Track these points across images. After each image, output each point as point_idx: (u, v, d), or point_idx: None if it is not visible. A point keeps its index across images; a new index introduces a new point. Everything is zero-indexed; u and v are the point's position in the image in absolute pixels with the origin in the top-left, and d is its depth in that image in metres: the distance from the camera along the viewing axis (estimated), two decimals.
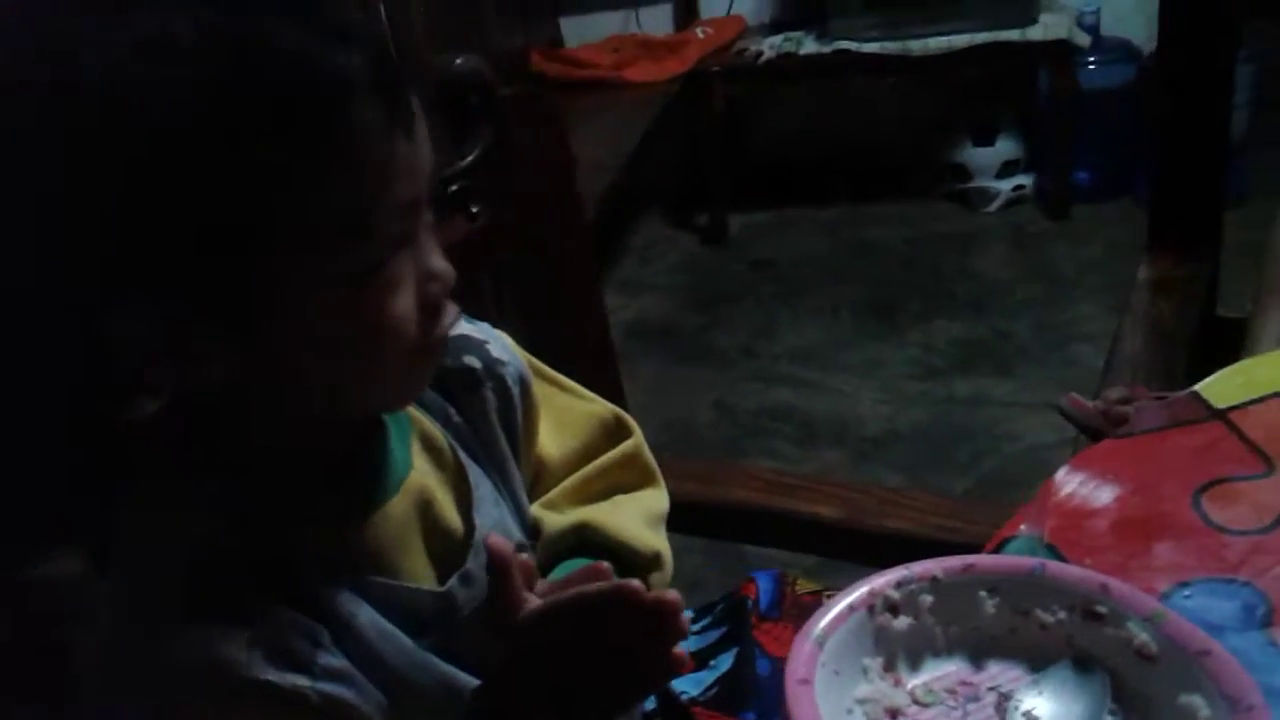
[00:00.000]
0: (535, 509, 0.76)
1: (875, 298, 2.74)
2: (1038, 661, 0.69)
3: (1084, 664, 0.68)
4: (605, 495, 0.79)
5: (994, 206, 3.11)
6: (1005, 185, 3.10)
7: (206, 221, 0.53)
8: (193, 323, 0.55)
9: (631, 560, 0.75)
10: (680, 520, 1.10)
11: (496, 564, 0.60)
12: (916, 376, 2.45)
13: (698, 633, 0.90)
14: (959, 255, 2.90)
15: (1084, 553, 0.78)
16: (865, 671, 0.69)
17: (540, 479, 0.79)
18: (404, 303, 0.58)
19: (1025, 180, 3.11)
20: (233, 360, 0.57)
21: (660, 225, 3.17)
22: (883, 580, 0.71)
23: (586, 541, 0.75)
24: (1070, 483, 0.84)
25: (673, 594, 0.58)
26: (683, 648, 0.87)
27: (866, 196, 3.16)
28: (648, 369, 2.56)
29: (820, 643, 0.67)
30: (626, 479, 0.80)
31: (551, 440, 0.79)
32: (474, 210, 0.94)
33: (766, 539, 1.10)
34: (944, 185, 3.14)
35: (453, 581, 0.67)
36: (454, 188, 0.93)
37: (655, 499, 0.81)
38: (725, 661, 0.83)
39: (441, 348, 0.63)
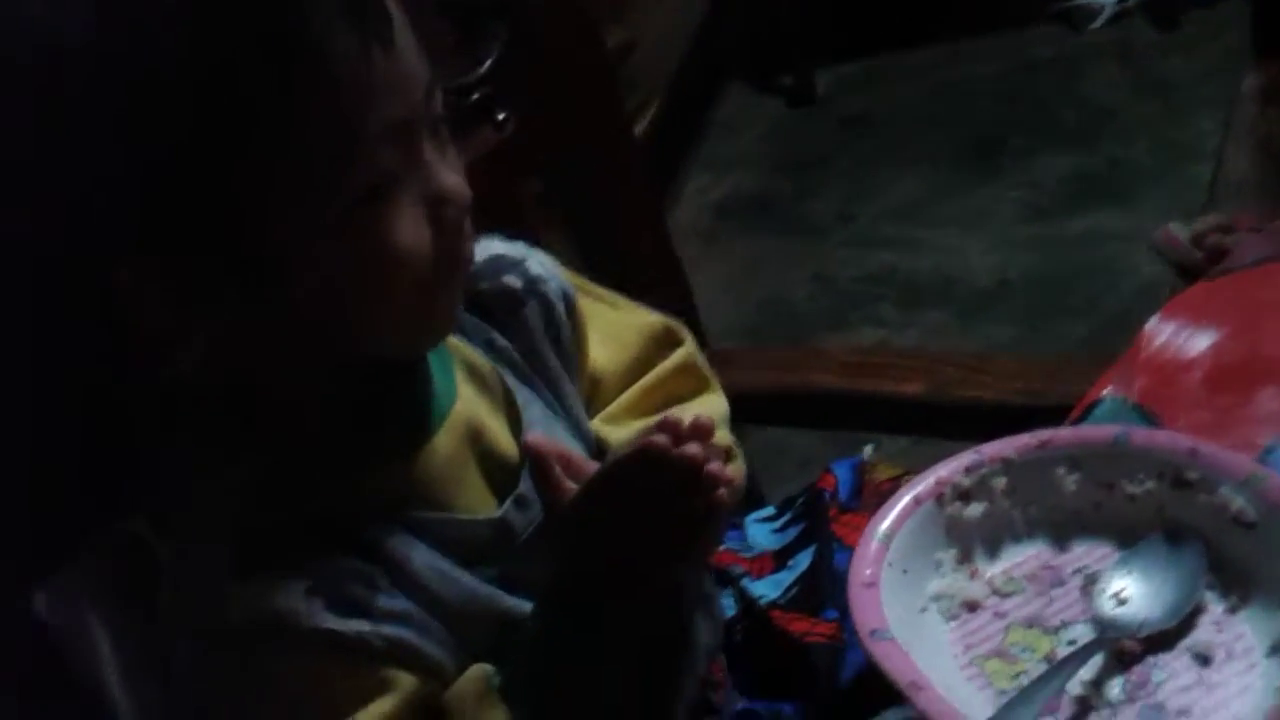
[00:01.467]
0: (596, 424, 0.74)
1: (976, 141, 2.60)
2: (1127, 537, 0.65)
3: (1177, 536, 0.63)
4: (664, 406, 0.76)
5: (1099, 23, 2.90)
6: None
7: (192, 167, 0.51)
8: (197, 271, 0.54)
9: None
10: (758, 411, 1.08)
11: (532, 457, 0.60)
12: (1025, 220, 2.32)
13: (778, 531, 0.87)
14: (1064, 81, 2.71)
15: (1178, 410, 0.72)
16: (938, 566, 0.65)
17: (595, 395, 0.76)
18: (412, 229, 0.55)
19: None
20: (246, 308, 0.55)
21: (744, 94, 3.05)
22: (950, 467, 0.67)
23: None
24: (1162, 333, 0.78)
25: (694, 447, 0.56)
26: (764, 547, 0.86)
27: (961, 32, 2.98)
28: (740, 246, 2.49)
29: (886, 540, 0.64)
30: (683, 387, 0.77)
31: (603, 354, 0.76)
32: (501, 118, 0.90)
33: (848, 423, 1.06)
34: (1045, 7, 2.94)
35: (507, 506, 0.65)
36: (475, 96, 0.88)
37: (715, 403, 0.78)
38: (804, 560, 0.80)
39: (463, 273, 0.61)
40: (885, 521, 0.64)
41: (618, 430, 0.73)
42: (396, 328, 0.59)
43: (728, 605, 0.80)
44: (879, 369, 1.03)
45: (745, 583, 0.80)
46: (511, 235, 0.93)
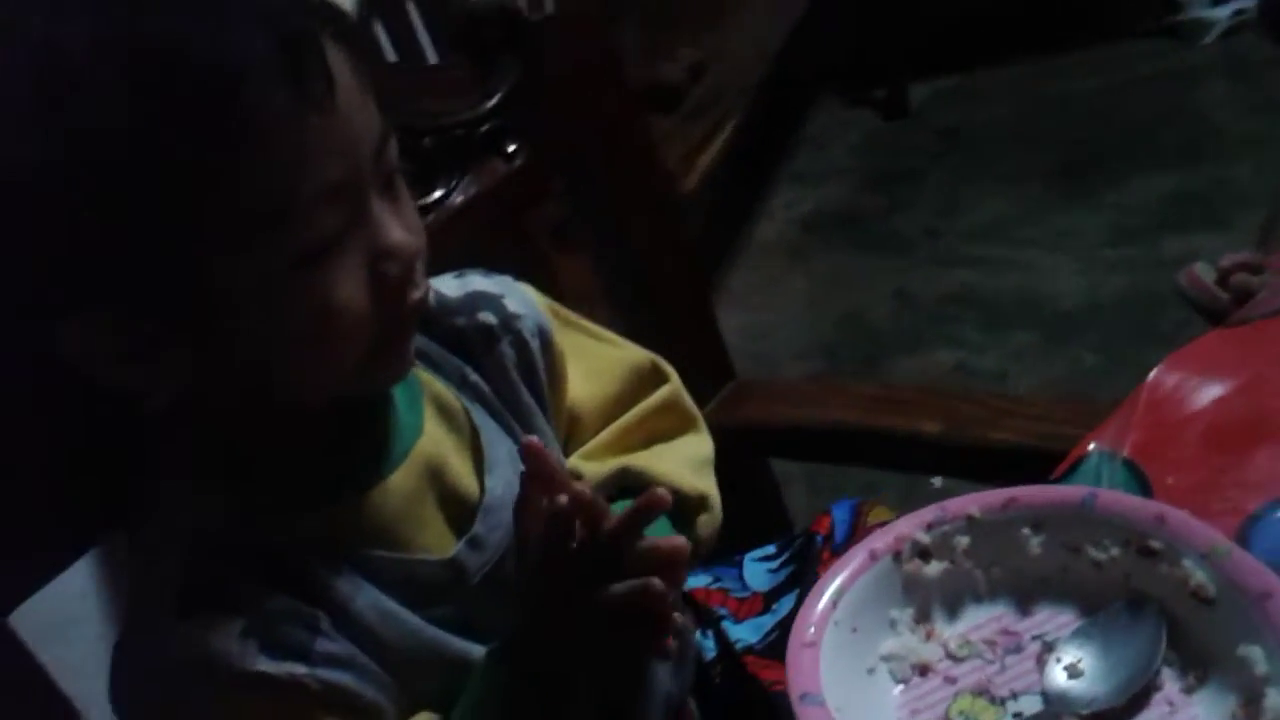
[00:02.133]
0: (573, 461, 0.74)
1: (1070, 158, 2.52)
2: (1092, 603, 0.62)
3: (1139, 606, 0.60)
4: (645, 444, 0.75)
5: (1211, 37, 2.79)
6: (1224, 11, 2.77)
7: (127, 226, 0.52)
8: (142, 326, 0.54)
9: (677, 502, 0.71)
10: (776, 444, 1.07)
11: (526, 461, 0.59)
12: (1116, 241, 2.24)
13: (773, 571, 0.86)
14: (1167, 97, 2.61)
15: (1168, 469, 0.68)
16: (893, 624, 0.63)
17: (575, 431, 0.76)
18: (350, 287, 0.55)
19: (1246, 2, 2.77)
20: (195, 357, 0.56)
21: (835, 107, 3.02)
22: (910, 523, 0.65)
23: (629, 486, 0.72)
24: (1165, 384, 0.74)
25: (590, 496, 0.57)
26: (755, 588, 0.85)
27: (1060, 46, 2.89)
28: (824, 262, 2.46)
29: (836, 597, 0.62)
30: (666, 425, 0.77)
31: (584, 390, 0.75)
32: (510, 150, 0.91)
33: (865, 459, 1.04)
34: (1148, 20, 2.84)
35: (459, 547, 0.65)
36: (484, 128, 0.89)
37: (697, 444, 0.77)
38: (787, 605, 0.79)
39: (411, 323, 0.61)
40: (837, 578, 0.63)
41: (592, 466, 0.73)
42: (344, 376, 0.59)
43: (709, 647, 0.79)
44: (899, 405, 1.00)
45: (726, 625, 0.79)
46: (523, 263, 0.95)
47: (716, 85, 2.22)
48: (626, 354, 0.78)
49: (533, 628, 0.60)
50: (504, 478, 0.67)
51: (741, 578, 0.86)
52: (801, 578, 0.80)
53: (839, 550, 0.82)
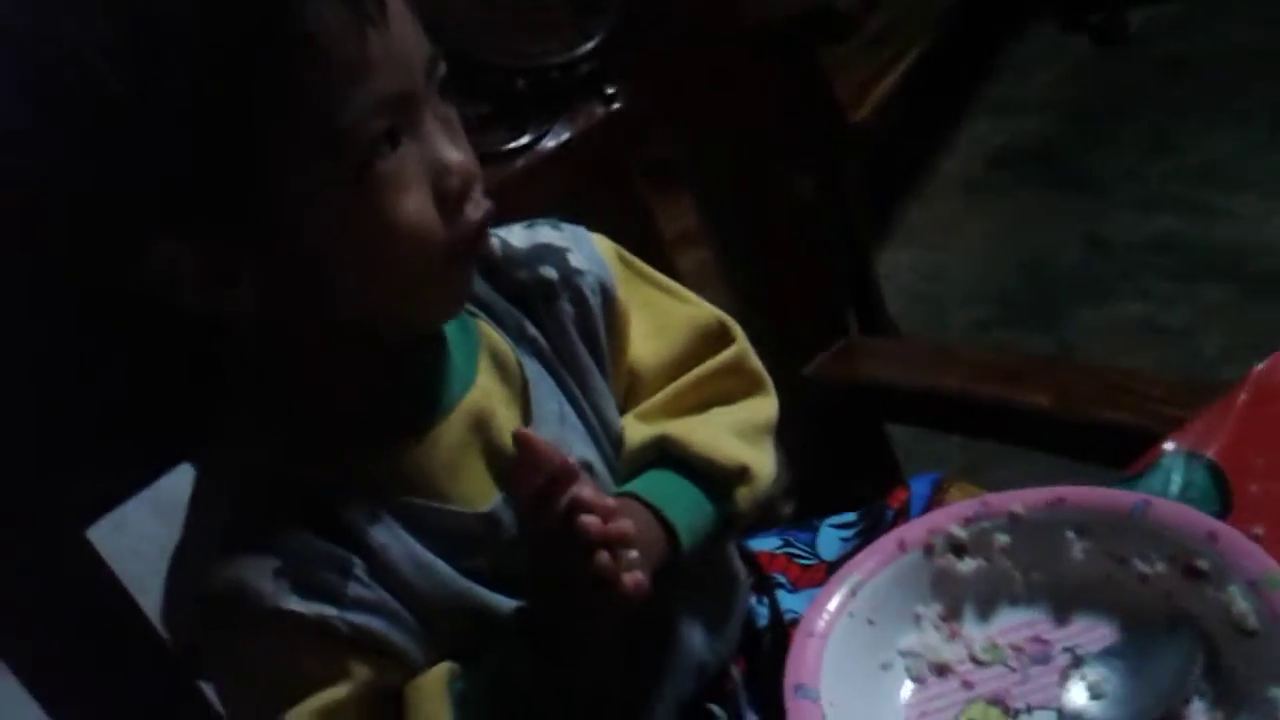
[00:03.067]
0: (627, 420, 0.73)
1: None
2: (1131, 618, 0.58)
3: (1178, 628, 0.55)
4: (703, 406, 0.74)
5: None
6: None
7: (196, 146, 0.54)
8: (218, 247, 0.57)
9: (713, 473, 0.70)
10: (880, 407, 1.03)
11: (518, 449, 0.58)
12: None
13: (845, 540, 0.83)
14: None
15: (1254, 477, 0.62)
16: (917, 620, 0.61)
17: (634, 389, 0.75)
18: (414, 199, 0.56)
19: None
20: (266, 279, 0.58)
21: (1047, 32, 2.83)
22: (946, 515, 0.62)
23: (666, 455, 0.71)
24: (1271, 384, 0.67)
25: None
26: (824, 556, 0.82)
27: None
28: (1010, 200, 2.32)
29: (854, 588, 0.60)
30: (727, 388, 0.74)
31: (647, 346, 0.74)
32: (610, 92, 0.89)
33: (971, 430, 0.98)
34: None
35: (497, 501, 0.65)
36: (583, 70, 0.88)
37: (757, 407, 0.74)
38: None
39: (472, 246, 0.61)
40: (859, 568, 0.60)
41: (642, 427, 0.72)
42: (413, 299, 0.60)
43: (763, 613, 0.78)
44: (1011, 375, 0.95)
45: (781, 594, 0.78)
46: (617, 207, 0.94)
47: (904, 10, 2.12)
48: (693, 311, 0.76)
49: (537, 602, 0.61)
50: (550, 434, 0.67)
51: (814, 544, 0.84)
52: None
53: None
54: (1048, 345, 1.96)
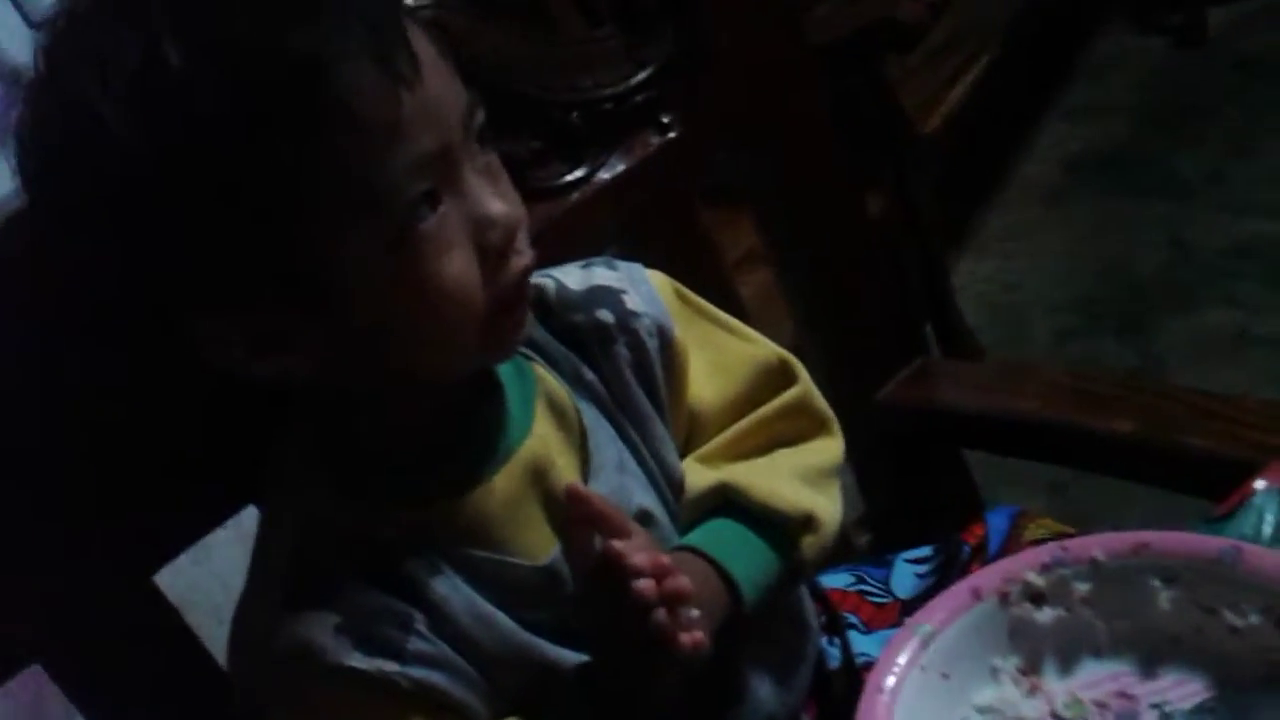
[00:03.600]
0: (688, 462, 0.71)
1: None
2: (1226, 674, 0.54)
3: (1276, 685, 0.51)
4: (766, 449, 0.72)
5: None
6: None
7: (237, 222, 0.54)
8: (266, 318, 0.57)
9: (776, 522, 0.68)
10: (955, 433, 0.99)
11: (568, 508, 0.59)
12: None
13: (921, 576, 0.80)
14: None
15: None
16: (994, 673, 0.58)
17: (696, 430, 0.73)
18: (456, 260, 0.56)
19: None
20: (317, 345, 0.58)
21: (1122, 35, 2.75)
22: (1022, 561, 0.59)
23: (729, 503, 0.69)
24: None
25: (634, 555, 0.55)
26: (898, 595, 0.79)
27: None
28: (1090, 206, 2.26)
29: (927, 639, 0.57)
30: (791, 429, 0.72)
31: (707, 386, 0.72)
32: (665, 121, 0.87)
33: (1051, 455, 0.94)
34: None
35: (556, 554, 0.63)
36: (639, 99, 0.86)
37: (822, 450, 0.72)
38: None
39: (520, 290, 0.60)
40: (931, 618, 0.57)
41: (705, 472, 0.70)
42: (461, 353, 0.60)
43: (834, 655, 0.76)
44: (1091, 398, 0.91)
45: (853, 635, 0.75)
46: (675, 234, 0.92)
47: (973, 17, 2.07)
48: (754, 350, 0.73)
49: (597, 657, 0.60)
50: (608, 484, 0.65)
51: (887, 580, 0.81)
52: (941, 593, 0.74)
53: (991, 563, 0.75)
54: (1132, 356, 1.91)
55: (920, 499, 1.01)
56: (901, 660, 0.56)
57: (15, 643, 0.65)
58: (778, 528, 0.67)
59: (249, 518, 0.74)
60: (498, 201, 0.57)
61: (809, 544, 0.68)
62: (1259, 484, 0.61)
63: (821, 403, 0.73)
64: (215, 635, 0.72)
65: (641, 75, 0.86)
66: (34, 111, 0.55)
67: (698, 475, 0.70)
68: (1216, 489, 0.79)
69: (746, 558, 0.65)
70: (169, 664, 0.72)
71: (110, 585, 0.68)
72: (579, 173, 0.84)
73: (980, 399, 0.97)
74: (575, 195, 0.84)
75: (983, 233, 2.29)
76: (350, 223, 0.54)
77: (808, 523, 0.68)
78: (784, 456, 0.71)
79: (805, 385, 0.73)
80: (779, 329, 1.06)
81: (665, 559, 0.55)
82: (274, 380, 0.60)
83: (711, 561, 0.63)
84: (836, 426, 0.74)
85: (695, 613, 0.56)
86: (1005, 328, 2.05)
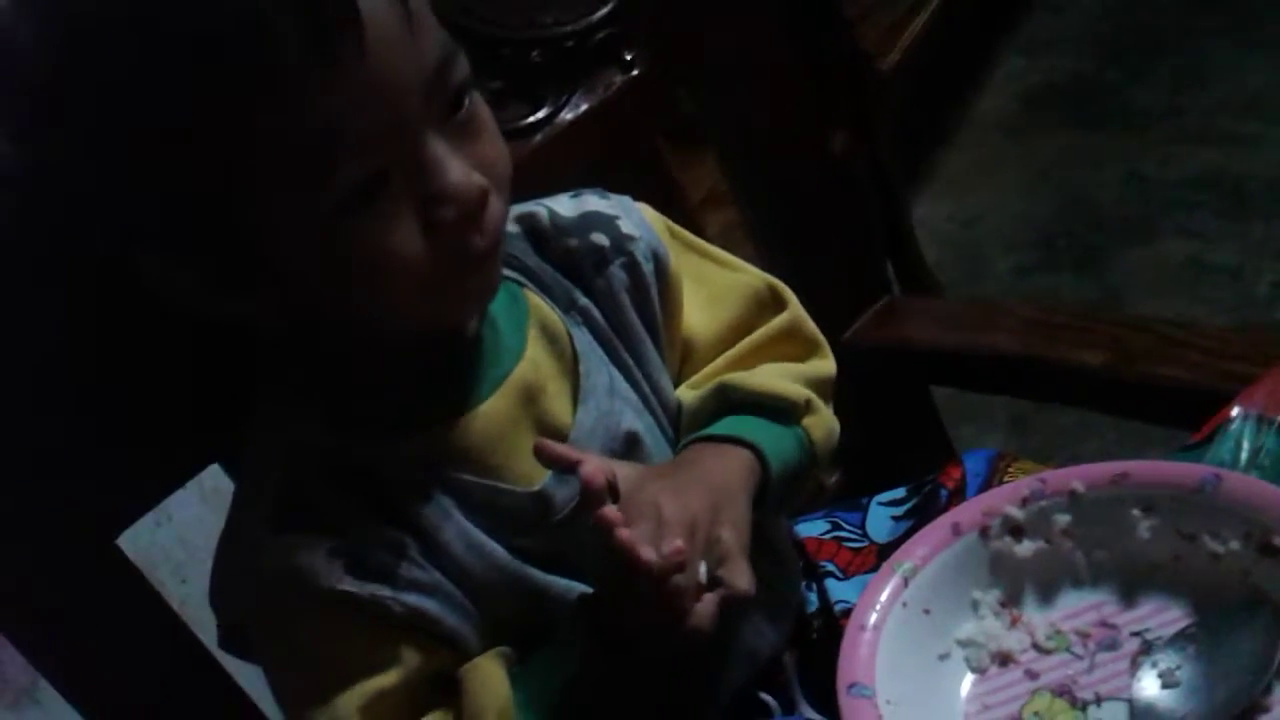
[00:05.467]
0: (681, 390, 0.70)
1: None
2: (1205, 600, 0.54)
3: (1256, 609, 0.52)
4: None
5: None
6: None
7: (164, 173, 0.52)
8: (205, 263, 0.55)
9: (779, 405, 0.67)
10: (931, 369, 0.99)
11: (583, 488, 0.57)
12: None
13: (897, 518, 0.80)
14: None
15: None
16: (975, 606, 0.58)
17: (689, 359, 0.72)
18: (399, 233, 0.54)
19: None
20: (260, 294, 0.57)
21: None
22: (1001, 495, 0.58)
23: (727, 401, 0.67)
24: None
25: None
26: (874, 539, 0.79)
27: None
28: (1047, 141, 2.26)
29: (907, 576, 0.57)
30: (784, 353, 0.72)
31: (700, 316, 0.72)
32: (627, 59, 0.85)
33: (1023, 390, 0.95)
34: None
35: (546, 480, 0.63)
36: (600, 36, 0.84)
37: (816, 366, 0.72)
38: None
39: (476, 267, 0.58)
40: (912, 555, 0.57)
41: (695, 392, 0.70)
42: (411, 316, 0.58)
43: (812, 600, 0.75)
44: (1061, 331, 0.91)
45: (829, 582, 0.75)
46: (640, 172, 0.90)
47: None
48: (744, 278, 0.73)
49: (603, 604, 0.60)
50: (598, 408, 0.65)
51: (863, 524, 0.81)
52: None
53: None
54: (1092, 289, 1.91)
55: (889, 437, 1.00)
56: (883, 598, 0.56)
57: None
58: (781, 410, 0.67)
59: (209, 476, 0.73)
60: (458, 170, 0.54)
61: (813, 424, 0.67)
62: (1235, 411, 0.61)
63: (811, 326, 0.73)
64: (177, 594, 0.71)
65: (602, 11, 0.84)
66: None
67: (691, 394, 0.69)
68: (1188, 418, 0.80)
69: (762, 430, 0.64)
70: (133, 626, 0.71)
71: (73, 549, 0.66)
72: (541, 113, 0.82)
73: (949, 335, 0.96)
74: (538, 137, 0.82)
75: (941, 170, 2.29)
76: (283, 191, 0.52)
77: (808, 405, 0.67)
78: (774, 367, 0.70)
79: (795, 310, 0.72)
80: None
81: (677, 542, 0.54)
82: (235, 322, 0.59)
83: (726, 439, 0.63)
84: (828, 349, 0.73)
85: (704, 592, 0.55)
86: (964, 264, 2.05)
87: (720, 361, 0.71)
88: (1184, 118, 2.19)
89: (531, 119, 0.82)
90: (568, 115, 0.83)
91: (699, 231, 0.93)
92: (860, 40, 1.49)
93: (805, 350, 0.73)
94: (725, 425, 0.66)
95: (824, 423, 0.68)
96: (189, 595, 0.78)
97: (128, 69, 0.50)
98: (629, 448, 0.65)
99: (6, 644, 0.66)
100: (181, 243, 0.54)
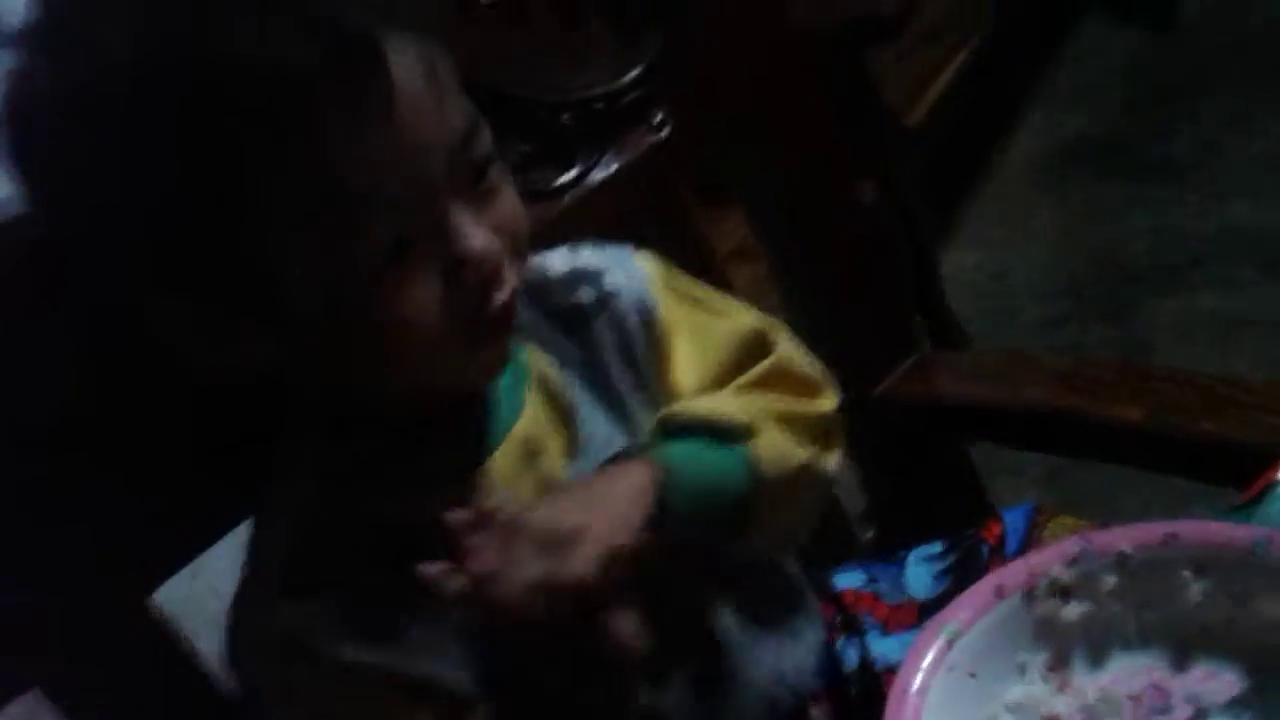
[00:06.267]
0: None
1: None
2: (1260, 665, 0.53)
3: None
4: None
5: None
6: None
7: (185, 223, 0.52)
8: (216, 314, 0.55)
9: (717, 428, 0.64)
10: (960, 424, 0.98)
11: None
12: None
13: (937, 576, 0.78)
14: None
15: None
16: (1022, 670, 0.56)
17: None
18: (422, 297, 0.54)
19: None
20: (275, 350, 0.57)
21: (1100, 23, 2.75)
22: (1047, 556, 0.57)
23: (665, 428, 0.65)
24: None
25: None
26: (913, 595, 0.78)
27: None
28: (1077, 192, 2.25)
29: (952, 639, 0.56)
30: (775, 394, 0.69)
31: (691, 366, 0.70)
32: (656, 119, 0.86)
33: (1058, 446, 0.93)
34: None
35: None
36: (629, 98, 0.85)
37: (803, 403, 0.69)
38: None
39: (498, 326, 0.58)
40: (954, 617, 0.56)
41: None
42: (429, 378, 0.59)
43: (852, 657, 0.74)
44: (1097, 385, 0.90)
45: (870, 637, 0.74)
46: (673, 232, 0.90)
47: (953, 7, 2.06)
48: (733, 325, 0.71)
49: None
50: (597, 459, 0.64)
51: (901, 579, 0.80)
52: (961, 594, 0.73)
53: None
54: (1122, 341, 1.90)
55: (924, 491, 0.99)
56: (927, 661, 0.55)
57: (13, 668, 0.63)
58: (721, 432, 0.64)
59: (243, 530, 0.72)
60: (482, 236, 0.55)
61: (763, 446, 0.64)
62: None
63: (804, 367, 0.71)
64: (212, 647, 0.71)
65: (631, 74, 0.85)
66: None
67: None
68: (1231, 475, 0.78)
69: (684, 450, 0.62)
70: (167, 682, 0.70)
71: (108, 606, 0.66)
72: (571, 174, 0.83)
73: (983, 390, 0.95)
74: (568, 197, 0.83)
75: (970, 222, 2.28)
76: (305, 252, 0.52)
77: (750, 427, 0.64)
78: (730, 396, 0.68)
79: (786, 350, 0.71)
80: None
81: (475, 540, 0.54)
82: (260, 379, 0.59)
83: (633, 458, 0.62)
84: (825, 387, 0.71)
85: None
86: (993, 316, 2.04)
87: None
88: (1213, 170, 2.18)
89: (562, 180, 0.83)
90: (598, 175, 0.84)
91: (726, 285, 0.93)
92: (885, 96, 1.50)
93: (798, 390, 0.70)
94: (640, 447, 0.64)
95: (774, 445, 0.65)
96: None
97: (161, 125, 0.50)
98: None
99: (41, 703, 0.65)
100: (210, 297, 0.54)
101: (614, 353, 0.68)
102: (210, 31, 0.50)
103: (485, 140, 0.57)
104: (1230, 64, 2.43)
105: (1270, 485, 0.60)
